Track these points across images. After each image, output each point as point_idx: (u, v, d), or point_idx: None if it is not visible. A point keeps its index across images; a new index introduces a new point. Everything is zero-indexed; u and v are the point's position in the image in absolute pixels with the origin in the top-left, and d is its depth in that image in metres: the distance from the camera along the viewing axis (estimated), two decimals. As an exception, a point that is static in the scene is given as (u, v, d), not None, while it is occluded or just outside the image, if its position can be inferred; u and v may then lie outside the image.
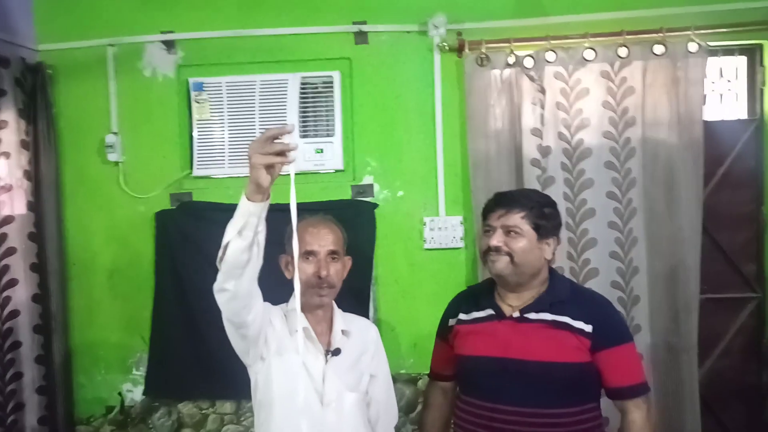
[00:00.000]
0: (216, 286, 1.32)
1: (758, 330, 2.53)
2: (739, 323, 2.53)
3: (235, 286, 1.29)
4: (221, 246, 1.26)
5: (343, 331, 1.54)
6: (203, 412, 2.55)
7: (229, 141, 2.49)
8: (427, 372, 2.48)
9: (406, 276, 2.52)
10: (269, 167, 1.19)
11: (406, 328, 2.50)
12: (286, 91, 2.45)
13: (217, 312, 1.45)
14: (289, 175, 1.22)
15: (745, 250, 2.53)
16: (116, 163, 2.54)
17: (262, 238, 1.28)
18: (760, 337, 2.52)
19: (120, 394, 2.56)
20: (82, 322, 2.57)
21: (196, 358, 2.46)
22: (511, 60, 2.40)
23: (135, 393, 2.56)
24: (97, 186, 2.57)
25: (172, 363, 2.48)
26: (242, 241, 1.23)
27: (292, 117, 2.43)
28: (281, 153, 1.19)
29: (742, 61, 2.53)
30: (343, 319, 1.57)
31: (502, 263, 1.55)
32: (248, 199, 1.22)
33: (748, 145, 2.52)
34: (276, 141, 1.20)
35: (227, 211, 1.28)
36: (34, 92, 2.46)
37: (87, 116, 2.57)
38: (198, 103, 2.48)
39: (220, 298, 1.33)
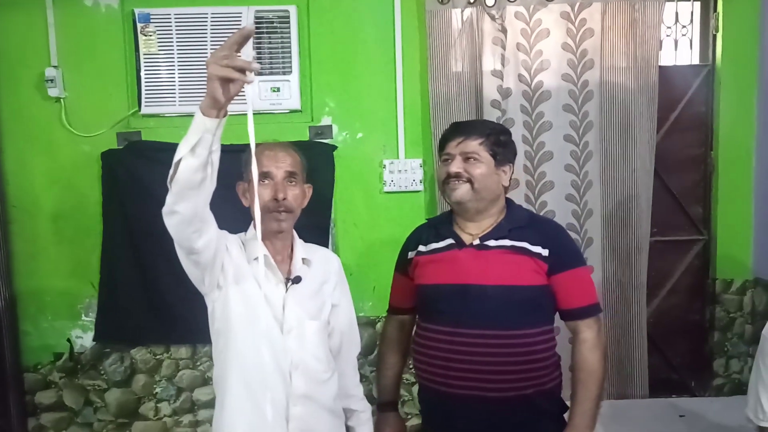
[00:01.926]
0: (165, 209, 1.24)
1: (703, 270, 2.64)
2: (686, 264, 2.63)
3: (186, 208, 1.23)
4: (172, 163, 1.19)
5: (303, 260, 1.50)
6: (157, 357, 2.49)
7: (180, 77, 2.37)
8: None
9: (365, 219, 2.50)
10: (226, 81, 1.13)
11: (365, 271, 2.49)
12: (239, 25, 2.34)
13: (170, 255, 1.37)
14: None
15: (692, 192, 2.61)
16: (58, 99, 2.39)
17: (216, 158, 1.21)
18: (705, 277, 2.63)
19: (69, 340, 2.48)
20: (26, 268, 2.45)
21: (148, 302, 2.39)
22: (473, -2, 2.36)
23: (85, 339, 2.48)
24: (37, 123, 2.41)
25: (123, 308, 2.41)
26: (195, 160, 1.16)
27: (246, 53, 2.32)
28: (240, 69, 1.12)
29: (696, 6, 2.56)
30: (303, 248, 1.53)
31: (462, 190, 1.55)
32: (203, 114, 1.15)
33: (699, 91, 2.57)
34: (238, 55, 1.13)
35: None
36: (-37, 21, 2.28)
37: (23, 48, 2.39)
38: (145, 35, 2.34)
39: (170, 221, 1.26)
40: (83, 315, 2.48)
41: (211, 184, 1.23)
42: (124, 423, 2.51)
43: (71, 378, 2.49)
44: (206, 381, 2.50)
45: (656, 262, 2.53)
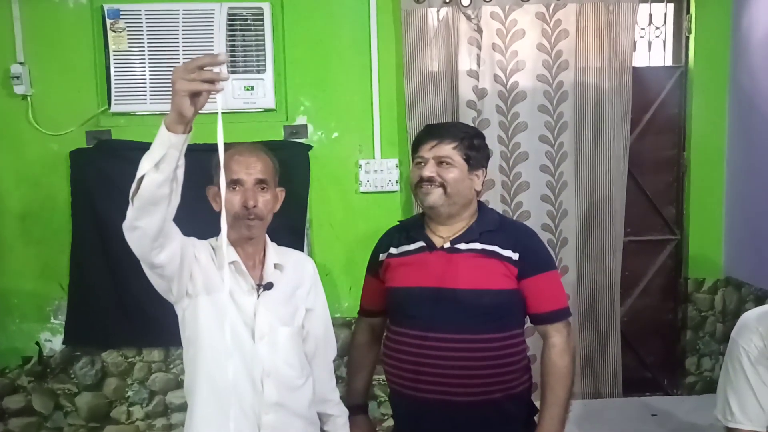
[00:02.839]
0: (126, 223, 1.20)
1: (676, 270, 2.67)
2: (659, 263, 2.66)
3: (148, 224, 1.19)
4: (135, 179, 1.14)
5: (276, 265, 1.48)
6: (129, 360, 2.45)
7: (151, 75, 2.32)
8: (363, 316, 2.50)
9: (340, 220, 2.49)
10: (194, 95, 1.09)
11: (341, 271, 2.48)
12: (212, 22, 2.30)
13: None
14: (216, 113, 1.11)
15: (665, 193, 2.64)
16: (24, 97, 2.33)
17: (180, 173, 1.17)
18: (677, 276, 2.66)
19: (38, 343, 2.42)
20: (-9, 269, 2.40)
21: (119, 304, 2.35)
22: (449, -3, 2.35)
23: (54, 342, 2.43)
24: (3, 121, 2.35)
25: (93, 310, 2.36)
26: (159, 175, 1.12)
27: (220, 50, 2.29)
28: (209, 81, 1.09)
29: (669, 8, 2.58)
30: (276, 253, 1.51)
31: (435, 195, 1.53)
32: (168, 130, 1.12)
33: (672, 92, 2.60)
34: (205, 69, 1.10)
35: (150, 151, 1.16)
36: (-76, 15, 2.20)
37: (-13, 44, 2.33)
38: (115, 32, 2.29)
39: (131, 236, 1.22)
40: (52, 317, 2.42)
41: (175, 199, 1.20)
42: (95, 427, 2.46)
43: (40, 382, 2.44)
44: (179, 384, 2.46)
45: (630, 262, 2.55)
